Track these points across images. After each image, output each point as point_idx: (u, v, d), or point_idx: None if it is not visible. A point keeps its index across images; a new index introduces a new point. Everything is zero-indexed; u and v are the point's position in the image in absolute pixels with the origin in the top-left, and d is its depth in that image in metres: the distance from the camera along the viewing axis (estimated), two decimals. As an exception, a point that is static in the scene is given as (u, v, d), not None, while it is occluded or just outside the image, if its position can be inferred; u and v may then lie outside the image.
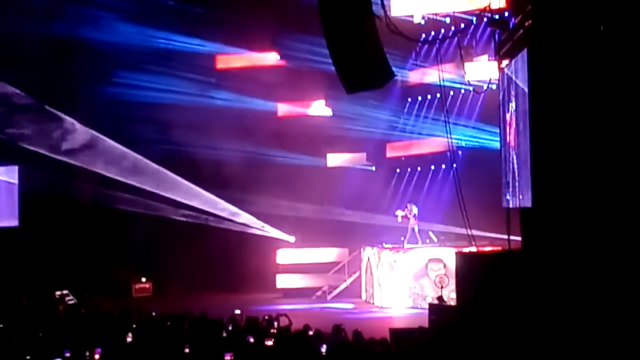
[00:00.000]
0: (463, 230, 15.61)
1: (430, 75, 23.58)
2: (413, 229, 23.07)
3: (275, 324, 13.81)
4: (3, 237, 23.94)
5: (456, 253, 14.97)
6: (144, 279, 26.31)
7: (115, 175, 25.41)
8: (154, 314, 15.56)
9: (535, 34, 12.44)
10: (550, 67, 11.95)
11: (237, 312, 15.18)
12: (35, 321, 14.69)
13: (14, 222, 24.24)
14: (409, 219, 23.08)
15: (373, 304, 22.85)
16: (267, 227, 26.03)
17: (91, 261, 24.70)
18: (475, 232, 16.14)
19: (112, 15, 24.16)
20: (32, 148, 23.88)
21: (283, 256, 25.85)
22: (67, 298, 20.94)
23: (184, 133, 25.23)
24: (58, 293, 21.23)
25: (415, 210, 23.21)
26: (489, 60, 21.39)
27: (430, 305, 16.31)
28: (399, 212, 23.15)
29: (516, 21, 13.79)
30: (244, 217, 25.92)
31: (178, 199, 25.70)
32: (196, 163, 25.62)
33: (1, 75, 23.21)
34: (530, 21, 12.64)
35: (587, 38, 11.52)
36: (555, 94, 11.86)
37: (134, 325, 13.29)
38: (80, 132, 24.90)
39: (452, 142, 17.08)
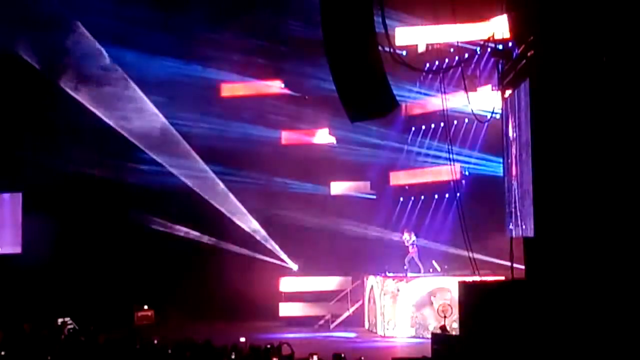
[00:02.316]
0: (466, 256, 15.65)
1: (434, 104, 23.67)
2: (412, 258, 23.08)
3: (278, 352, 13.75)
4: (6, 263, 23.94)
5: (459, 282, 14.93)
6: (145, 307, 26.23)
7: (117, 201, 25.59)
8: (156, 341, 15.49)
9: (537, 64, 12.50)
10: (552, 97, 12.00)
11: (242, 339, 15.13)
12: (37, 349, 14.63)
13: (17, 249, 24.23)
14: (407, 247, 23.16)
15: (376, 333, 22.75)
16: (272, 254, 26.02)
17: (93, 288, 24.65)
18: (480, 257, 16.13)
19: (115, 44, 24.30)
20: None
21: (286, 284, 25.80)
22: (68, 325, 20.87)
23: (187, 160, 25.33)
24: (60, 320, 21.17)
25: (413, 237, 23.25)
26: (492, 89, 21.47)
27: (433, 334, 16.22)
28: (405, 237, 23.29)
29: (519, 51, 13.86)
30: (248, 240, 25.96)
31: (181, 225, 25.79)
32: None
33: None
34: (532, 51, 12.70)
35: (589, 69, 11.57)
36: (556, 124, 11.90)
37: (136, 354, 13.24)
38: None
39: (455, 171, 17.12)
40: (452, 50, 22.67)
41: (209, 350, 13.34)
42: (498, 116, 16.67)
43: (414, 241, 23.25)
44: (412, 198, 26.47)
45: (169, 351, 13.62)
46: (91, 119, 24.14)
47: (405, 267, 23.08)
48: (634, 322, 10.80)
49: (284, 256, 26.23)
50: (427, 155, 25.79)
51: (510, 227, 15.03)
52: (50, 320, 20.68)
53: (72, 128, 24.20)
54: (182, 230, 26.04)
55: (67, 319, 21.40)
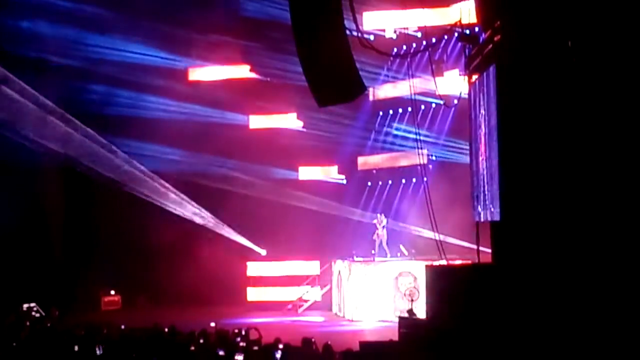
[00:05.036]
0: (434, 239, 15.76)
1: (402, 89, 23.72)
2: (381, 241, 23.19)
3: (245, 336, 13.76)
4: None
5: (426, 267, 15.01)
6: (112, 292, 26.12)
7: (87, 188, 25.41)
8: (123, 327, 15.43)
9: (503, 49, 12.56)
10: (518, 81, 12.07)
11: (212, 324, 15.13)
12: (3, 334, 14.52)
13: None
14: (377, 229, 23.26)
15: (344, 317, 22.84)
16: (239, 238, 25.95)
17: (60, 274, 24.48)
18: (447, 241, 16.18)
19: (83, 30, 24.05)
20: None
21: (254, 269, 25.78)
22: (33, 311, 20.72)
23: (155, 146, 25.18)
24: (25, 306, 21.01)
25: (384, 221, 23.37)
26: (459, 74, 21.54)
27: (400, 318, 16.30)
28: (378, 222, 23.35)
29: (486, 36, 13.91)
30: (215, 225, 25.84)
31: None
32: (167, 176, 25.50)
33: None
34: (499, 36, 12.76)
35: (555, 53, 11.65)
36: (522, 108, 11.98)
37: (104, 340, 13.17)
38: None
39: (422, 155, 17.21)
40: (419, 35, 22.72)
41: (176, 336, 13.31)
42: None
43: (384, 225, 23.37)
44: (380, 182, 26.56)
45: (137, 336, 13.57)
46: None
47: (372, 252, 23.18)
48: (600, 303, 10.93)
49: (251, 241, 26.17)
50: (394, 139, 25.87)
51: (478, 210, 15.13)
52: (16, 306, 20.54)
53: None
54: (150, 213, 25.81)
55: (32, 304, 21.25)
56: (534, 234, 11.79)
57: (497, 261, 13.46)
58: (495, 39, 12.94)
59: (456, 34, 17.17)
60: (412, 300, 17.65)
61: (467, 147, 16.54)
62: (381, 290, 21.87)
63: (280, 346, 12.02)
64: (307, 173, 26.91)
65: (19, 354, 12.35)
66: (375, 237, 23.37)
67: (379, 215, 23.79)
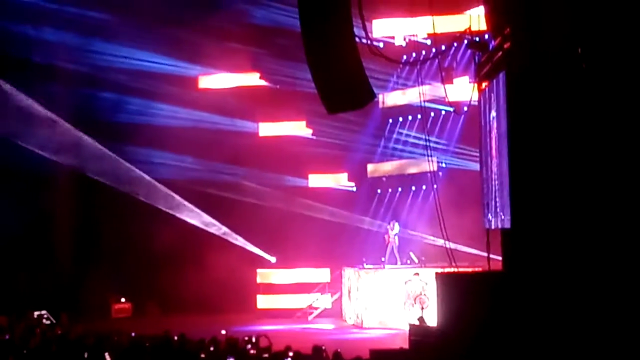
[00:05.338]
0: (444, 247, 15.72)
1: (411, 96, 23.72)
2: (392, 248, 23.14)
3: (256, 344, 13.74)
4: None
5: (436, 274, 14.97)
6: (123, 300, 26.14)
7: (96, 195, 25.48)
8: (133, 334, 15.44)
9: (512, 56, 12.54)
10: (528, 88, 12.05)
11: (223, 332, 15.12)
12: (13, 342, 14.54)
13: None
14: (389, 236, 23.21)
15: (354, 324, 22.80)
16: (249, 245, 25.96)
17: (70, 281, 24.52)
18: (457, 248, 16.13)
19: (93, 37, 24.17)
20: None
21: (263, 276, 25.77)
22: (43, 319, 20.75)
23: (165, 153, 25.24)
24: (36, 314, 21.04)
25: (397, 228, 23.33)
26: (469, 81, 21.52)
27: (411, 326, 16.28)
28: (392, 231, 23.31)
29: (495, 43, 13.90)
30: (225, 233, 25.86)
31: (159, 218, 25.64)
32: (177, 183, 25.56)
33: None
34: (508, 43, 12.74)
35: (565, 60, 11.62)
36: (532, 115, 11.95)
37: (113, 347, 13.18)
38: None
39: (432, 163, 17.19)
40: (429, 42, 22.72)
41: (187, 344, 13.30)
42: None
43: (396, 232, 23.34)
44: (390, 189, 26.53)
45: (147, 344, 13.57)
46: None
47: (382, 259, 23.14)
48: (612, 311, 10.89)
49: (261, 249, 26.17)
50: (404, 146, 25.85)
51: (488, 217, 15.09)
52: (26, 314, 20.57)
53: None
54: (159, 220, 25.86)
55: (43, 312, 21.27)
56: (544, 242, 11.75)
57: (508, 269, 13.42)
58: (505, 46, 12.92)
59: (466, 41, 17.14)
60: (422, 308, 17.63)
61: (477, 154, 16.51)
62: (391, 297, 21.83)
63: (291, 354, 11.99)
64: (317, 180, 26.91)
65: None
66: (386, 242, 23.35)
67: (391, 222, 23.76)
